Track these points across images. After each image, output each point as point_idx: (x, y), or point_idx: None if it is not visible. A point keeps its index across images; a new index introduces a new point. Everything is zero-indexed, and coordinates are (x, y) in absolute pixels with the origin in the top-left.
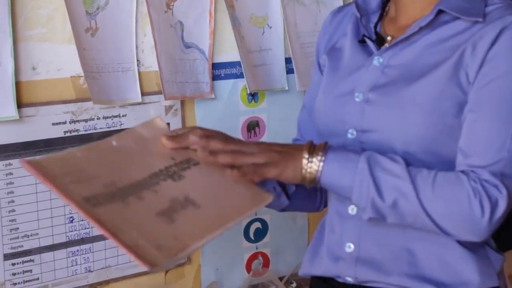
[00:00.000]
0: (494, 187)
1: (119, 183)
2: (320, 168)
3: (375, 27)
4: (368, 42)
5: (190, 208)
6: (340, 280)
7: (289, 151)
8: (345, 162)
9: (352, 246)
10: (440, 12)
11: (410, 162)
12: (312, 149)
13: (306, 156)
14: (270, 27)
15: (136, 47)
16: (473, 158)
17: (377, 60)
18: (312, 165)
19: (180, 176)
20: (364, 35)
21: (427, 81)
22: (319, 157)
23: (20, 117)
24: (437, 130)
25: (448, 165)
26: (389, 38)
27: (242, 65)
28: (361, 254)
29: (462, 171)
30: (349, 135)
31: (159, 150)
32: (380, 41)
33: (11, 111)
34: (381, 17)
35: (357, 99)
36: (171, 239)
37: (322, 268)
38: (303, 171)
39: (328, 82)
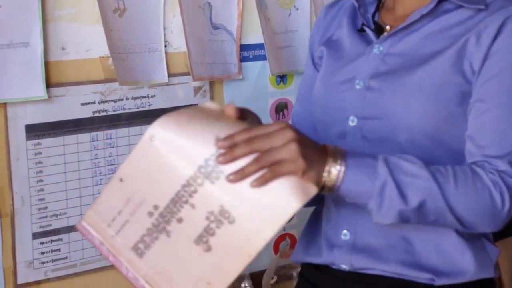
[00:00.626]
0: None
1: (161, 203)
2: (341, 176)
3: (373, 17)
4: (368, 30)
5: (225, 226)
6: (334, 267)
7: (314, 153)
8: (364, 168)
9: (348, 234)
10: (441, 0)
11: (412, 150)
12: (333, 154)
13: (330, 161)
14: (297, 9)
15: (165, 28)
16: (488, 149)
17: (377, 49)
18: (333, 171)
19: (218, 174)
20: (363, 24)
21: (430, 68)
22: (338, 163)
23: (49, 97)
24: (440, 117)
25: (450, 153)
26: (388, 27)
27: (265, 48)
28: (357, 241)
29: (475, 163)
30: (350, 122)
31: (203, 135)
32: (378, 30)
33: (40, 91)
34: (378, 7)
35: (357, 86)
36: (213, 273)
37: (316, 256)
38: (324, 178)
39: (327, 71)
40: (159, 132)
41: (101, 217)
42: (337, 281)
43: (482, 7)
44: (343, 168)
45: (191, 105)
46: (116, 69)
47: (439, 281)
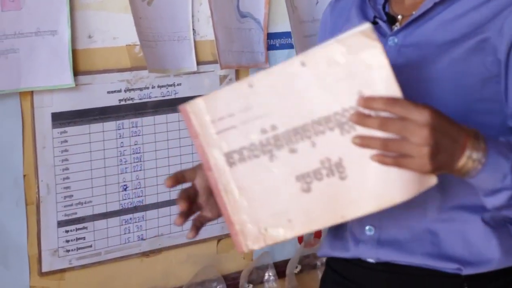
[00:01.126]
0: None
1: (281, 126)
2: (479, 167)
3: (383, 8)
4: (381, 23)
5: (333, 179)
6: (362, 258)
7: (450, 146)
8: (501, 155)
9: (372, 229)
10: None
11: None
12: (475, 141)
13: (469, 150)
14: None
15: (192, 16)
16: None
17: (392, 41)
18: (469, 163)
19: (351, 128)
20: (375, 16)
21: (449, 58)
22: (480, 154)
23: (76, 85)
24: (463, 106)
25: None
26: (399, 17)
27: (292, 36)
28: (382, 236)
29: None
30: None
31: (346, 83)
32: (390, 21)
33: (68, 79)
34: None
35: None
36: (284, 219)
37: (342, 250)
38: (460, 166)
39: None
40: (313, 61)
41: (209, 110)
42: (365, 271)
43: None
44: (484, 157)
45: None
46: (145, 56)
47: (466, 271)
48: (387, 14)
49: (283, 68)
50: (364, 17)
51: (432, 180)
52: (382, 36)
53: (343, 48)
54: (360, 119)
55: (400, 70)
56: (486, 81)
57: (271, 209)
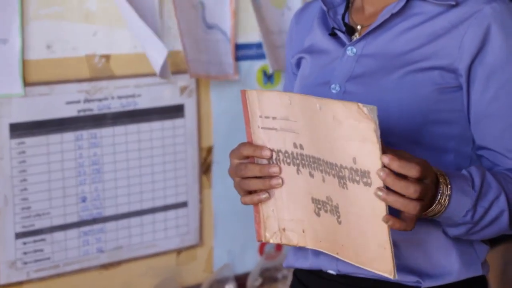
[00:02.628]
0: None
1: (306, 149)
2: (443, 209)
3: (343, 18)
4: (339, 34)
5: (333, 218)
6: (325, 270)
7: (431, 187)
8: (464, 194)
9: None
10: None
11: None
12: (444, 186)
13: (439, 196)
14: (290, 9)
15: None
16: None
17: (350, 51)
18: (440, 205)
19: (344, 185)
20: (333, 28)
21: (405, 69)
22: (446, 197)
23: (33, 95)
24: (419, 117)
25: (434, 152)
26: (359, 27)
27: (263, 45)
28: None
29: None
30: None
31: (344, 143)
32: (350, 31)
33: (18, 88)
34: (347, 8)
35: (333, 91)
36: (299, 228)
37: (306, 261)
38: (431, 209)
39: (303, 75)
40: (325, 109)
41: (260, 105)
42: (326, 282)
43: (452, 2)
44: (447, 203)
45: (177, 105)
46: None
47: (425, 284)
48: (346, 24)
49: (310, 102)
50: (326, 28)
51: (391, 275)
52: (341, 46)
53: (346, 111)
54: (390, 179)
55: (359, 80)
56: (443, 92)
57: (291, 214)
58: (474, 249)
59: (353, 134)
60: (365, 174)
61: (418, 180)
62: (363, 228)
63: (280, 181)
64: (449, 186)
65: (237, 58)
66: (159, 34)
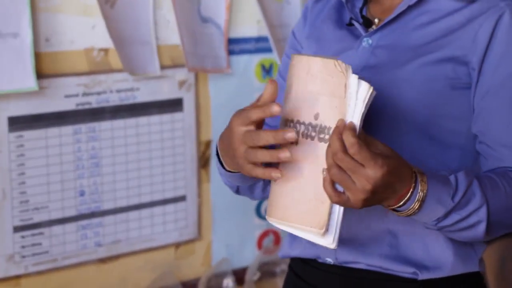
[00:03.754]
0: None
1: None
2: (416, 210)
3: (361, 11)
4: (356, 24)
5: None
6: (320, 260)
7: (392, 191)
8: (438, 203)
9: None
10: None
11: (401, 144)
12: (416, 191)
13: (405, 200)
14: (289, 3)
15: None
16: None
17: (366, 42)
18: (406, 208)
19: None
20: (351, 18)
21: (420, 61)
22: (416, 203)
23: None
24: (430, 109)
25: (441, 146)
26: (376, 20)
27: (269, 39)
28: (342, 234)
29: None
30: None
31: (313, 98)
32: (367, 24)
33: (31, 82)
34: (366, 1)
35: None
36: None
37: (301, 250)
38: (391, 208)
39: None
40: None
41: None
42: (322, 274)
43: None
44: (416, 209)
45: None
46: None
47: (422, 276)
48: (364, 17)
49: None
50: (340, 20)
51: (321, 230)
52: (355, 37)
53: (322, 66)
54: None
55: (373, 70)
56: (455, 87)
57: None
58: (472, 244)
59: (323, 88)
60: (324, 130)
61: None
62: (301, 183)
63: (288, 154)
64: (425, 192)
65: (235, 52)
66: (156, 27)
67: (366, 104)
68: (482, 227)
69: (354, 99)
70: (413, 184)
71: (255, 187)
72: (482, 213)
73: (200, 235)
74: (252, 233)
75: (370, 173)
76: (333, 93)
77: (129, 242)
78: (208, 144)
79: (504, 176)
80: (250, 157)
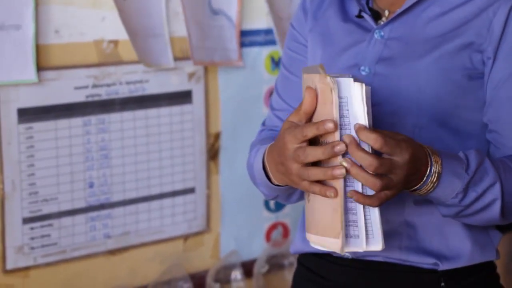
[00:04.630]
0: None
1: None
2: (435, 183)
3: (367, 3)
4: (366, 17)
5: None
6: (335, 255)
7: (416, 173)
8: (455, 176)
9: None
10: None
11: (419, 134)
12: (433, 166)
13: (425, 178)
14: None
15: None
16: None
17: (378, 34)
18: (426, 186)
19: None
20: (361, 10)
21: (436, 53)
22: (435, 178)
23: (42, 80)
24: (448, 101)
25: (457, 136)
26: (386, 12)
27: (274, 32)
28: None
29: None
30: None
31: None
32: (375, 16)
33: (31, 74)
34: None
35: (363, 73)
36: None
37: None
38: (412, 190)
39: (324, 58)
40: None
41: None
42: (340, 268)
43: None
44: (436, 183)
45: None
46: (135, 50)
47: (442, 266)
48: (371, 9)
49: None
50: (344, 12)
51: (337, 237)
52: (364, 30)
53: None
54: (354, 167)
55: (388, 62)
56: (472, 78)
57: None
58: (488, 234)
59: (320, 98)
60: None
61: (381, 156)
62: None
63: (343, 171)
64: (441, 166)
65: (245, 44)
66: (166, 20)
67: (366, 102)
68: (497, 206)
69: (351, 103)
70: (429, 159)
71: (293, 194)
72: (497, 190)
73: (209, 227)
74: (260, 225)
75: (400, 160)
76: (325, 101)
77: (138, 234)
78: (217, 136)
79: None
80: (304, 176)
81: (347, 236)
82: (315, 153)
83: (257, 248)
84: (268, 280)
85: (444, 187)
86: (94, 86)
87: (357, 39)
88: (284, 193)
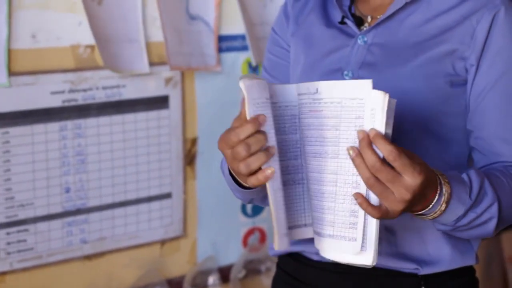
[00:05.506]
0: None
1: None
2: (443, 210)
3: (349, 9)
4: (349, 23)
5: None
6: (315, 258)
7: (424, 198)
8: (460, 202)
9: None
10: None
11: (400, 139)
12: (441, 196)
13: (433, 204)
14: (272, 0)
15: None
16: None
17: (361, 39)
18: (433, 212)
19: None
20: (344, 16)
21: (420, 59)
22: (443, 206)
23: (18, 85)
24: (431, 107)
25: (441, 142)
26: (369, 18)
27: (246, 37)
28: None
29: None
30: None
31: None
32: (358, 22)
33: (2, 78)
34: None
35: (346, 78)
36: None
37: (300, 245)
38: (419, 214)
39: (307, 63)
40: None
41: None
42: (319, 272)
43: None
44: (443, 209)
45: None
46: (101, 55)
47: (423, 271)
48: (354, 15)
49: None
50: (326, 17)
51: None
52: (350, 36)
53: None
54: (358, 157)
55: (372, 68)
56: (454, 84)
57: None
58: (468, 239)
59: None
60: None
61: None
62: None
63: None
64: (450, 195)
65: (222, 50)
66: (142, 25)
67: (387, 112)
68: (493, 224)
69: (369, 108)
70: (439, 187)
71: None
72: (494, 210)
73: (186, 232)
74: (237, 230)
75: (410, 181)
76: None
77: (114, 239)
78: (194, 141)
79: (505, 173)
80: (247, 169)
81: (338, 236)
82: (258, 140)
83: (234, 253)
84: (245, 285)
85: (449, 213)
86: (71, 91)
87: (340, 44)
88: (258, 195)
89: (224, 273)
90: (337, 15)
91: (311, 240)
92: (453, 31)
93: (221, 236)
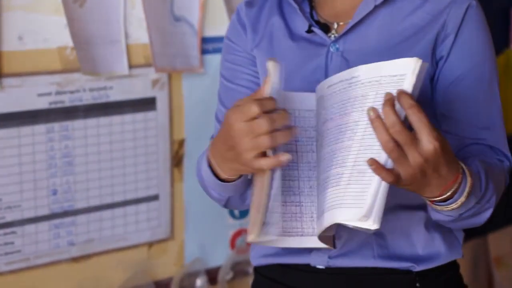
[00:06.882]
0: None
1: None
2: (464, 201)
3: (311, 15)
4: (317, 31)
5: None
6: (313, 264)
7: (440, 176)
8: (474, 196)
9: None
10: None
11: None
12: (461, 185)
13: (452, 192)
14: None
15: (124, 19)
16: (491, 132)
17: (333, 47)
18: (456, 200)
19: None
20: (311, 25)
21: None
22: (463, 198)
23: (4, 87)
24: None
25: None
26: (335, 25)
27: None
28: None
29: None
30: None
31: None
32: (324, 29)
33: None
34: (311, 6)
35: None
36: None
37: (292, 258)
38: (437, 199)
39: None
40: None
41: None
42: (310, 276)
43: None
44: (461, 203)
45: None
46: (79, 59)
47: (418, 268)
48: (318, 22)
49: None
50: (287, 26)
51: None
52: (319, 45)
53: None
54: (378, 119)
55: None
56: (432, 78)
57: None
58: (454, 233)
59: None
60: None
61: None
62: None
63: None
64: (471, 187)
65: (208, 51)
66: (129, 26)
67: (417, 76)
68: (489, 213)
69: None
70: (461, 176)
71: (246, 195)
72: (493, 201)
73: (173, 234)
74: (225, 232)
75: (424, 145)
76: None
77: (101, 241)
78: (181, 143)
79: (494, 161)
80: (272, 142)
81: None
82: (253, 105)
83: (221, 255)
84: (232, 287)
85: (464, 206)
86: (58, 93)
87: (311, 54)
88: (236, 192)
89: (212, 275)
90: (300, 24)
91: (319, 255)
92: (424, 31)
93: (208, 238)
